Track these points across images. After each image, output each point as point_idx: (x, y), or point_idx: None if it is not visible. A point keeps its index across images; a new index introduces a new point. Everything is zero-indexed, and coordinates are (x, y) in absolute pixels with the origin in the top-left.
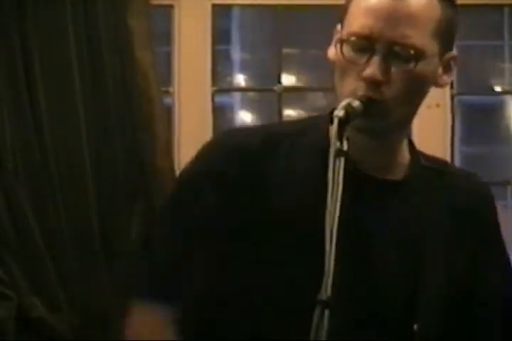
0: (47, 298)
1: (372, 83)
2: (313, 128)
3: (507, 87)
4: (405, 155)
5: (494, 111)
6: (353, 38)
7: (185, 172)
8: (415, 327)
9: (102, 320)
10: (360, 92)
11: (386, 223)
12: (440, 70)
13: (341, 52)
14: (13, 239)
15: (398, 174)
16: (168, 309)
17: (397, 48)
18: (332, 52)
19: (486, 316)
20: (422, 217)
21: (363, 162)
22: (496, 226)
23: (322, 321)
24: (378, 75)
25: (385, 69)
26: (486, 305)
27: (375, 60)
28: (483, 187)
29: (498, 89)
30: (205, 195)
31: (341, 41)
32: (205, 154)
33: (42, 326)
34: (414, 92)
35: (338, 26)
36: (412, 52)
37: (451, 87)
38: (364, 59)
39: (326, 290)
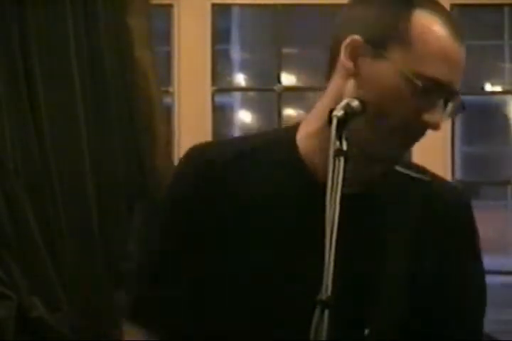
0: (47, 298)
1: (429, 128)
2: (277, 142)
3: (507, 87)
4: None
5: (494, 111)
6: (427, 81)
7: (163, 196)
8: (366, 332)
9: (102, 319)
10: (411, 132)
11: (350, 235)
12: None
13: (412, 90)
14: (13, 239)
15: (364, 185)
16: (152, 332)
17: (454, 98)
18: (351, 65)
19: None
20: (388, 226)
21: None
22: (470, 237)
23: (322, 321)
24: (441, 124)
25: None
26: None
27: (440, 107)
28: (459, 195)
29: (498, 89)
30: (180, 219)
31: (414, 80)
32: (174, 178)
33: (42, 326)
34: None
35: (357, 37)
36: (455, 99)
37: None
38: (427, 101)
39: (326, 290)
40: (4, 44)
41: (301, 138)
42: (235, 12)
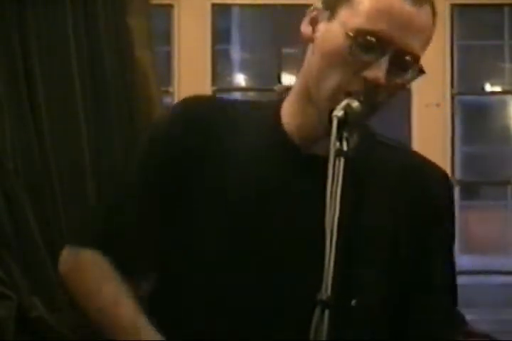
0: (47, 298)
1: (372, 85)
2: (267, 107)
3: (507, 87)
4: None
5: (494, 111)
6: (365, 36)
7: (143, 139)
8: (353, 302)
9: None
10: (352, 88)
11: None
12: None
13: (350, 46)
14: (13, 239)
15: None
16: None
17: (403, 56)
18: (309, 30)
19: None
20: (364, 187)
21: (306, 142)
22: (447, 211)
23: (322, 321)
24: (383, 80)
25: (388, 73)
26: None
27: (383, 63)
28: (441, 172)
29: (498, 89)
30: (159, 164)
31: (351, 36)
32: (162, 121)
33: (42, 326)
34: (393, 96)
35: (318, 5)
36: (411, 61)
37: (452, 87)
38: (370, 57)
39: (326, 290)
40: (4, 44)
41: (284, 114)
42: (235, 12)
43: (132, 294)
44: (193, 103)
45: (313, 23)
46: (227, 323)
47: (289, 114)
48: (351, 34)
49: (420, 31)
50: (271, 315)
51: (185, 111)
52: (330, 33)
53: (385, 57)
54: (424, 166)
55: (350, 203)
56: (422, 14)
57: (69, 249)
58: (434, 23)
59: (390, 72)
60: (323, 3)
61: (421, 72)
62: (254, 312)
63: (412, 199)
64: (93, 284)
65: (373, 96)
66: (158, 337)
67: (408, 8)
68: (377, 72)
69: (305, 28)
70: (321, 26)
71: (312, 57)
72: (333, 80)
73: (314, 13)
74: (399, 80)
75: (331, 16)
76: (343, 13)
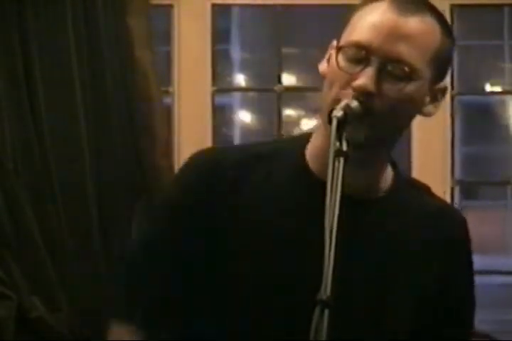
0: (47, 298)
1: (362, 93)
2: (289, 150)
3: (507, 87)
4: (387, 176)
5: (494, 111)
6: (350, 48)
7: (164, 195)
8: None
9: (102, 320)
10: (345, 100)
11: (358, 243)
12: (428, 99)
13: (336, 59)
14: (13, 239)
15: (375, 193)
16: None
17: (391, 65)
18: (324, 66)
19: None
20: (395, 236)
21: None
22: (468, 259)
23: (322, 321)
24: (370, 86)
25: (377, 81)
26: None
27: (369, 71)
28: (462, 221)
29: (498, 89)
30: (180, 222)
31: (338, 49)
32: (180, 176)
33: (42, 326)
34: (400, 112)
35: (334, 42)
36: (405, 70)
37: (452, 87)
38: (357, 69)
39: (326, 290)
40: (4, 44)
41: (309, 154)
42: (235, 12)
43: None
44: (210, 155)
45: (329, 59)
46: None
47: (311, 153)
48: (340, 48)
49: (409, 38)
50: None
51: (202, 165)
52: (331, 56)
53: (371, 65)
54: (444, 210)
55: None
56: (413, 22)
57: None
58: (444, 38)
59: (380, 79)
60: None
61: (433, 98)
62: None
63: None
64: None
65: (371, 105)
66: None
67: (396, 18)
68: (364, 79)
69: (321, 65)
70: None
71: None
72: (329, 97)
73: (331, 50)
74: (391, 87)
75: (337, 44)
76: (343, 36)
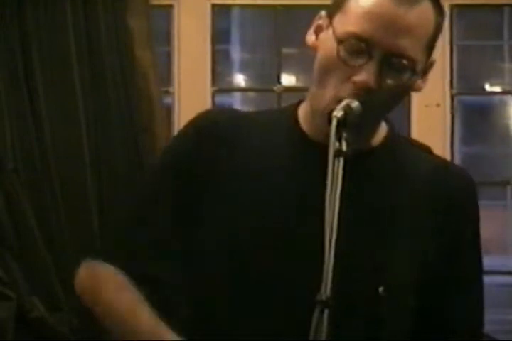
0: (47, 298)
1: (362, 89)
2: (282, 114)
3: (507, 87)
4: (379, 131)
5: (494, 111)
6: (351, 40)
7: (161, 155)
8: (380, 290)
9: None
10: (344, 95)
11: (351, 196)
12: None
13: (337, 51)
14: (13, 239)
15: (363, 146)
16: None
17: (393, 58)
18: (312, 39)
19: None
20: (385, 188)
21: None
22: (472, 214)
23: (322, 321)
24: (372, 82)
25: (379, 77)
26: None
27: (371, 66)
28: (466, 176)
29: (497, 89)
30: (175, 180)
31: (338, 41)
32: (179, 133)
33: (42, 326)
34: (397, 100)
35: (323, 13)
36: (407, 63)
37: (451, 87)
38: (358, 62)
39: (326, 290)
40: (4, 44)
41: (301, 117)
42: (235, 12)
43: (148, 302)
44: (209, 115)
45: (318, 31)
46: (253, 321)
47: (303, 116)
48: (339, 39)
49: (409, 31)
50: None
51: (201, 123)
52: (325, 40)
53: (373, 60)
54: (448, 168)
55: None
56: (413, 14)
57: (85, 265)
58: (437, 21)
59: (382, 74)
60: (326, 10)
61: (423, 73)
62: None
63: (437, 201)
64: (110, 295)
65: (370, 100)
66: (180, 339)
67: (395, 9)
68: (366, 75)
69: (309, 36)
70: (322, 34)
71: (315, 66)
72: (327, 88)
73: (319, 21)
74: (393, 82)
75: (329, 23)
76: (337, 20)
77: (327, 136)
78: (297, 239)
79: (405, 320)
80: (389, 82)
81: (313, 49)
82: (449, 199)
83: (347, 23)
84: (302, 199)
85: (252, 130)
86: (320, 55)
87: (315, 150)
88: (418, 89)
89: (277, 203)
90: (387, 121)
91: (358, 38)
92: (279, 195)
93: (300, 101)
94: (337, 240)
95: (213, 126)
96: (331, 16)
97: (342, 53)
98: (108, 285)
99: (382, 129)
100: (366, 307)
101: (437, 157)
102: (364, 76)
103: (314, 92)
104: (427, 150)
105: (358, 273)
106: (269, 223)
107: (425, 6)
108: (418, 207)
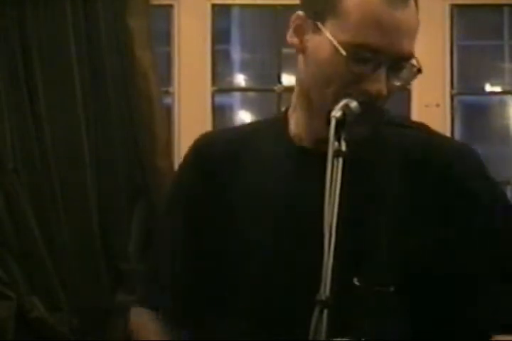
0: (47, 298)
1: (375, 97)
2: (273, 124)
3: (507, 87)
4: None
5: (494, 111)
6: (358, 50)
7: (170, 188)
8: (355, 280)
9: (102, 320)
10: (344, 100)
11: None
12: None
13: (346, 61)
14: (13, 239)
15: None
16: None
17: (400, 63)
18: (296, 41)
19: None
20: (373, 174)
21: (318, 145)
22: (477, 194)
23: (321, 321)
24: (385, 90)
25: (388, 82)
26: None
27: (381, 74)
28: (465, 153)
29: (498, 89)
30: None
31: (346, 52)
32: (180, 165)
33: (42, 326)
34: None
35: (300, 13)
36: (409, 64)
37: (452, 87)
38: (366, 70)
39: (325, 290)
40: (4, 44)
41: (291, 123)
42: (235, 12)
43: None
44: (204, 138)
45: (299, 32)
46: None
47: (294, 122)
48: (344, 48)
49: (410, 32)
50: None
51: (197, 148)
52: (321, 46)
53: (382, 68)
54: (444, 144)
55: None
56: (408, 14)
57: (132, 310)
58: (417, 11)
59: (389, 79)
60: (305, 11)
61: (418, 70)
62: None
63: (437, 180)
64: None
65: (379, 103)
66: None
67: (394, 13)
68: (378, 84)
69: (291, 38)
70: (310, 37)
71: (307, 69)
72: (330, 93)
73: (298, 21)
74: (400, 83)
75: (318, 28)
76: (331, 26)
77: (326, 138)
78: (309, 247)
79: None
80: (397, 84)
81: (299, 51)
82: (428, 178)
83: (349, 32)
84: (303, 209)
85: (247, 145)
86: (315, 60)
87: (311, 159)
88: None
89: (281, 214)
90: None
91: (365, 48)
92: (282, 206)
93: (287, 110)
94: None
95: (209, 147)
96: (317, 20)
97: (350, 64)
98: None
99: None
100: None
101: (433, 136)
102: (377, 85)
103: (315, 96)
104: (424, 130)
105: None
106: (278, 233)
107: (412, 2)
108: (408, 192)
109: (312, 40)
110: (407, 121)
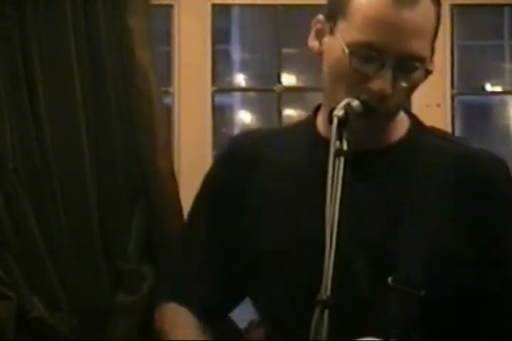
0: (47, 298)
1: (379, 96)
2: (301, 126)
3: (507, 87)
4: (399, 126)
5: (494, 111)
6: (363, 50)
7: (200, 185)
8: (389, 280)
9: (102, 320)
10: (346, 99)
11: (368, 190)
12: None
13: (350, 61)
14: (13, 239)
15: (383, 143)
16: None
17: (405, 61)
18: (316, 44)
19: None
20: (408, 184)
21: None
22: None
23: (322, 321)
24: (389, 89)
25: (393, 81)
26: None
27: (386, 73)
28: (493, 164)
29: (498, 89)
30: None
31: (350, 51)
32: (212, 164)
33: (42, 326)
34: (409, 94)
35: (320, 16)
36: (418, 64)
37: (452, 87)
38: (371, 70)
39: (326, 290)
40: (4, 44)
41: (319, 122)
42: (235, 12)
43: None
44: (237, 139)
45: (319, 35)
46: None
47: (321, 120)
48: (349, 48)
49: (418, 33)
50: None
51: (230, 148)
52: (332, 47)
53: (386, 67)
54: (478, 156)
55: (399, 201)
56: (417, 14)
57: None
58: (437, 12)
59: (395, 78)
60: (324, 14)
61: (427, 71)
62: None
63: (470, 192)
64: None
65: (386, 105)
66: None
67: (400, 12)
68: (382, 83)
69: (311, 42)
70: (327, 40)
71: (324, 70)
72: (339, 94)
73: (318, 25)
74: (407, 83)
75: (332, 29)
76: (341, 26)
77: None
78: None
79: (415, 311)
80: (403, 84)
81: (318, 54)
82: (474, 188)
83: (354, 32)
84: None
85: (277, 147)
86: (328, 61)
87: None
88: (430, 72)
89: (310, 217)
90: (410, 114)
91: (368, 47)
92: (312, 208)
93: (318, 108)
94: (349, 237)
95: (239, 149)
96: (332, 21)
97: (354, 63)
98: (167, 326)
99: (403, 123)
100: (374, 297)
101: (463, 146)
102: (380, 84)
103: (326, 97)
104: (453, 139)
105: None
106: (305, 235)
107: (425, 2)
108: (439, 199)
109: (327, 42)
110: (439, 131)
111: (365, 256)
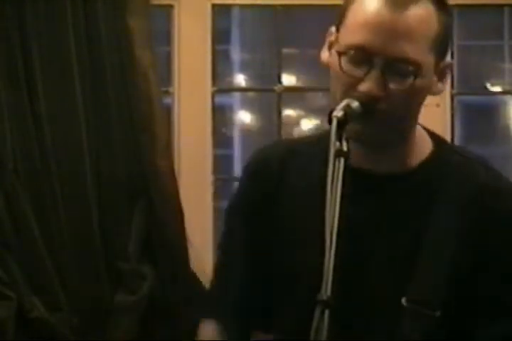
0: (47, 298)
1: (367, 97)
2: (323, 140)
3: (507, 87)
4: (421, 149)
5: (494, 111)
6: (351, 51)
7: (230, 202)
8: (403, 300)
9: (102, 320)
10: (346, 100)
11: (380, 217)
12: (435, 79)
13: (339, 64)
14: (13, 239)
15: (402, 168)
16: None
17: (396, 64)
18: (326, 55)
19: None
20: (424, 211)
21: (359, 158)
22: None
23: (322, 321)
24: (375, 90)
25: (382, 84)
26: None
27: (373, 74)
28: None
29: (498, 89)
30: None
31: (339, 54)
32: (239, 182)
33: (42, 326)
34: (410, 105)
35: (333, 28)
36: (410, 67)
37: (452, 87)
38: (361, 72)
39: (326, 290)
40: (4, 44)
41: None
42: (235, 12)
43: None
44: (258, 155)
45: (330, 47)
46: None
47: None
48: (339, 51)
49: (408, 35)
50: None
51: (252, 165)
52: (334, 54)
53: (375, 68)
54: (500, 188)
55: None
56: (409, 17)
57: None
58: (441, 19)
59: (385, 81)
60: (335, 26)
61: (414, 76)
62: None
63: (480, 221)
64: None
65: (381, 108)
66: None
67: (389, 14)
68: (368, 84)
69: (323, 53)
70: (333, 49)
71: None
72: (337, 100)
73: (330, 37)
74: (397, 87)
75: (337, 38)
76: (341, 32)
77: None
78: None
79: (428, 332)
80: (392, 87)
81: (327, 65)
82: (490, 220)
83: (347, 35)
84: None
85: (297, 163)
86: (331, 66)
87: (353, 178)
88: (437, 92)
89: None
90: (433, 136)
91: (356, 48)
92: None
93: None
94: (366, 253)
95: (263, 165)
96: (337, 30)
97: (344, 65)
98: None
99: (424, 146)
100: (388, 316)
101: (490, 173)
102: (366, 85)
103: (331, 100)
104: (482, 163)
105: (383, 282)
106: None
107: (423, 7)
108: (454, 228)
109: (333, 52)
110: (468, 153)
111: (384, 276)
